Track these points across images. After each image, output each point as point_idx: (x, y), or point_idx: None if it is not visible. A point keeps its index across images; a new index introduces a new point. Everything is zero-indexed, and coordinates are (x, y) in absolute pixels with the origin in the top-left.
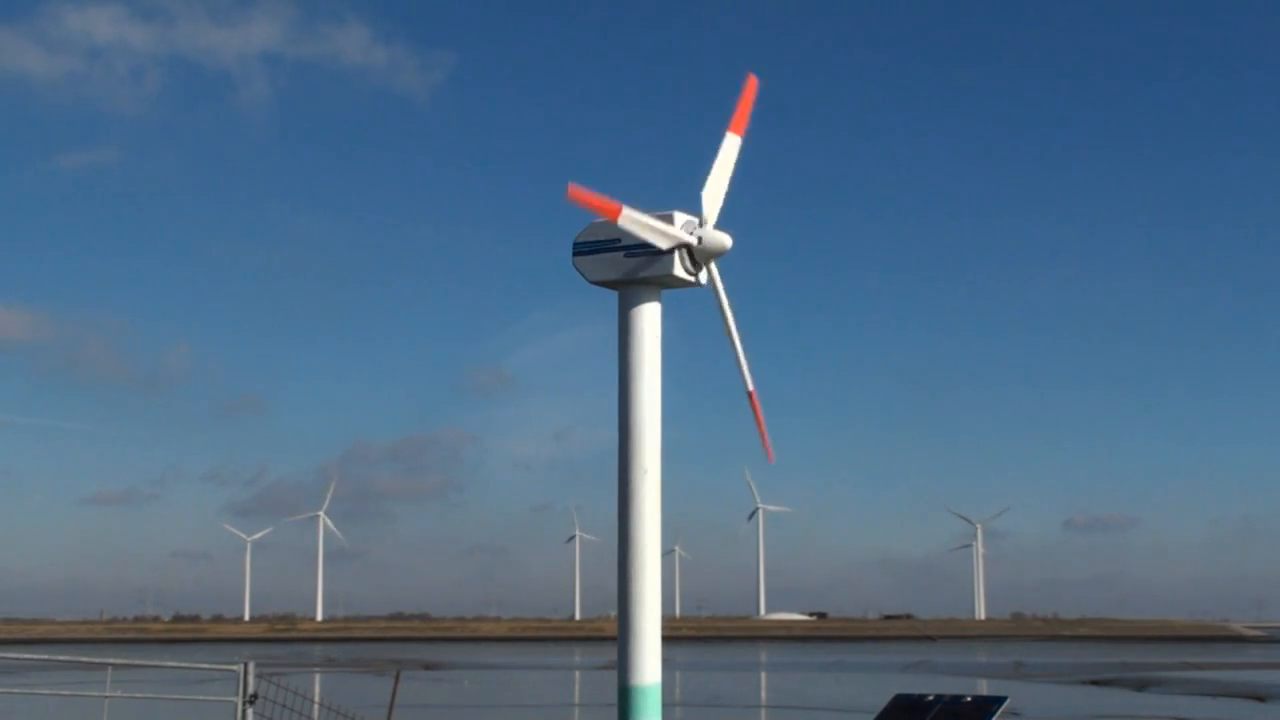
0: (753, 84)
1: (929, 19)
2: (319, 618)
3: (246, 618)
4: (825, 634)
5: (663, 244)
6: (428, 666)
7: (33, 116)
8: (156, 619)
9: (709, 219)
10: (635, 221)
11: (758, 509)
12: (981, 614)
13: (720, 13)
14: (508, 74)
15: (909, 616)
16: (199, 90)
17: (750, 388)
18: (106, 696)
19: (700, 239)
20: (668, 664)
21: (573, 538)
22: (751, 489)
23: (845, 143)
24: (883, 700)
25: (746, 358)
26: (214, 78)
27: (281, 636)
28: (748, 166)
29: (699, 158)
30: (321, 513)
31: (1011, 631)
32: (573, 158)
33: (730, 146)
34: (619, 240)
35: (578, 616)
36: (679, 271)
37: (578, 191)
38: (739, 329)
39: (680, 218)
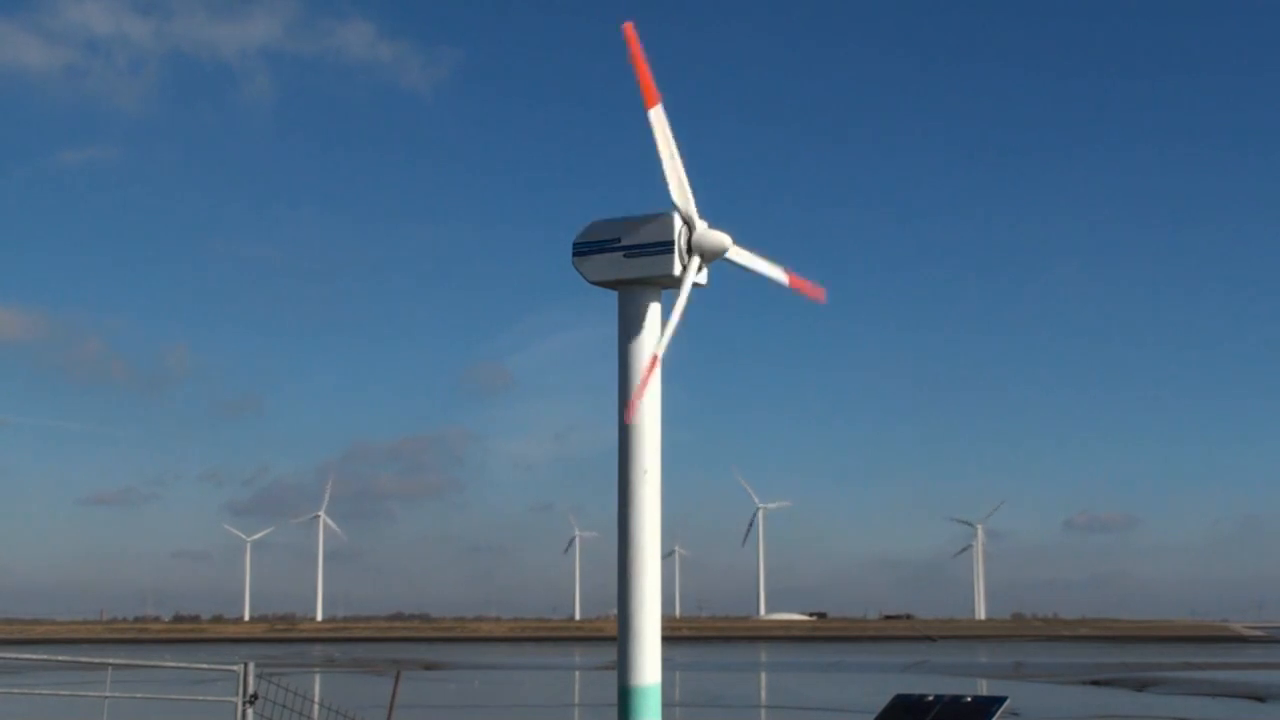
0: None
1: (929, 17)
2: (319, 618)
3: (246, 618)
4: (825, 634)
5: (674, 192)
6: (428, 666)
7: (31, 112)
8: (156, 619)
9: (691, 214)
10: (662, 131)
11: (757, 510)
12: (981, 614)
13: (722, 11)
14: (512, 72)
15: (909, 616)
16: (199, 86)
17: (658, 352)
18: (106, 696)
19: (700, 241)
20: (668, 664)
21: (572, 540)
22: (747, 490)
23: (844, 140)
24: (883, 700)
25: (673, 335)
26: (214, 73)
27: (281, 636)
28: (746, 164)
29: (702, 157)
30: (321, 513)
31: (1011, 631)
32: (575, 157)
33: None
34: (619, 240)
35: (578, 616)
36: (679, 271)
37: (634, 38)
38: (684, 315)
39: (679, 220)
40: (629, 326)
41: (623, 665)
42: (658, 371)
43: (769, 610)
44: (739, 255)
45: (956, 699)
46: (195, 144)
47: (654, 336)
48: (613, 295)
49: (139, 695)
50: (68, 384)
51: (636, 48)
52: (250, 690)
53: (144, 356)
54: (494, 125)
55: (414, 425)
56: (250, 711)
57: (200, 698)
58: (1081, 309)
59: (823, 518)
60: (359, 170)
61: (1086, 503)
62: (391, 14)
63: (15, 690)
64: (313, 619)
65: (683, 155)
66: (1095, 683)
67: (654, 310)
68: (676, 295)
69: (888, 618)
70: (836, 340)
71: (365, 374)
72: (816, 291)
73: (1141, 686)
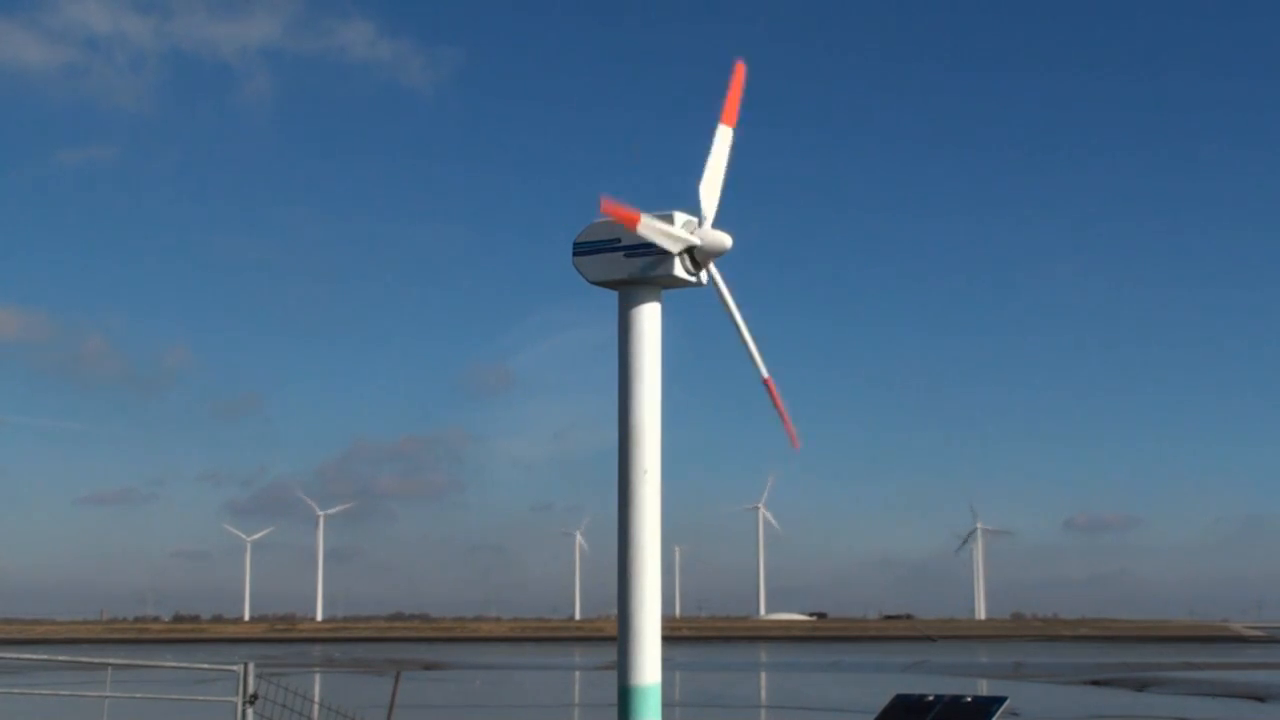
0: (741, 72)
1: (929, 16)
2: (319, 618)
3: (246, 618)
4: (825, 634)
5: (674, 248)
6: (428, 666)
7: (31, 111)
8: (156, 619)
9: (707, 215)
10: (652, 229)
11: (758, 509)
12: (981, 614)
13: (724, 11)
14: (513, 71)
15: (909, 616)
16: (199, 85)
17: (765, 375)
18: (106, 696)
19: (701, 240)
20: (668, 664)
21: (574, 536)
22: (740, 509)
23: (844, 140)
24: (883, 700)
25: (759, 349)
26: (214, 73)
27: (281, 636)
28: (746, 164)
29: (703, 157)
30: (321, 513)
31: (1011, 631)
32: (576, 157)
33: (723, 138)
34: (619, 240)
35: (578, 616)
36: (679, 272)
37: (610, 205)
38: (746, 321)
39: (680, 217)
40: (629, 326)
41: (623, 665)
42: (658, 372)
43: (769, 610)
44: (714, 179)
45: (956, 699)
46: (195, 144)
47: (654, 337)
48: (613, 295)
49: (139, 695)
50: (68, 384)
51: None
52: (250, 690)
53: (144, 356)
54: (494, 125)
55: (414, 425)
56: (250, 711)
57: (200, 698)
58: (1081, 309)
59: (823, 518)
60: (359, 170)
61: (1087, 503)
62: (392, 13)
63: (15, 690)
64: (313, 619)
65: (665, 169)
66: (1095, 683)
67: (654, 310)
68: (677, 292)
69: (888, 618)
70: (836, 340)
71: (365, 374)
72: (737, 78)
73: (1141, 686)
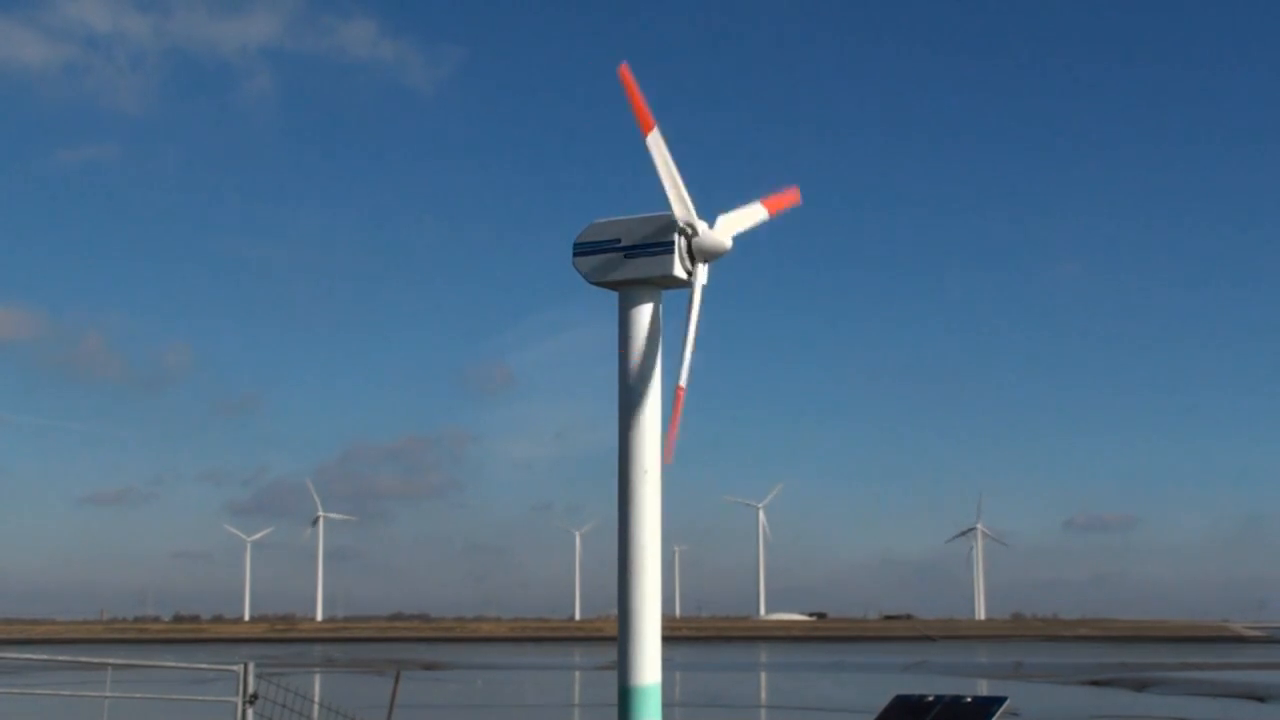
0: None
1: (928, 13)
2: (319, 618)
3: (246, 618)
4: (825, 634)
5: (679, 210)
6: (428, 666)
7: (31, 110)
8: (156, 619)
9: (693, 222)
10: (660, 153)
11: (757, 509)
12: (981, 614)
13: (724, 12)
14: (514, 71)
15: (909, 616)
16: (199, 84)
17: (682, 384)
18: (106, 696)
19: (702, 235)
20: (668, 664)
21: (574, 540)
22: (743, 503)
23: (843, 139)
24: (883, 700)
25: (693, 357)
26: (214, 71)
27: (281, 636)
28: (746, 163)
29: (704, 157)
30: (321, 512)
31: (1011, 631)
32: (577, 156)
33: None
34: (619, 240)
35: (578, 616)
36: (679, 271)
37: (629, 77)
38: (698, 331)
39: (680, 221)
40: (629, 326)
41: (623, 665)
42: (658, 372)
43: (769, 610)
44: (736, 224)
45: (956, 699)
46: (195, 143)
47: (654, 337)
48: (613, 295)
49: (139, 695)
50: (67, 383)
51: (633, 88)
52: (250, 690)
53: (143, 356)
54: (495, 124)
55: (414, 425)
56: (250, 711)
57: (200, 698)
58: (1083, 308)
59: (823, 518)
60: (360, 169)
61: (1086, 503)
62: (393, 12)
63: (15, 690)
64: (313, 619)
65: (680, 164)
66: (1095, 683)
67: (654, 310)
68: (677, 292)
69: (888, 618)
70: (836, 339)
71: (365, 374)
72: (792, 197)
73: (1141, 686)
